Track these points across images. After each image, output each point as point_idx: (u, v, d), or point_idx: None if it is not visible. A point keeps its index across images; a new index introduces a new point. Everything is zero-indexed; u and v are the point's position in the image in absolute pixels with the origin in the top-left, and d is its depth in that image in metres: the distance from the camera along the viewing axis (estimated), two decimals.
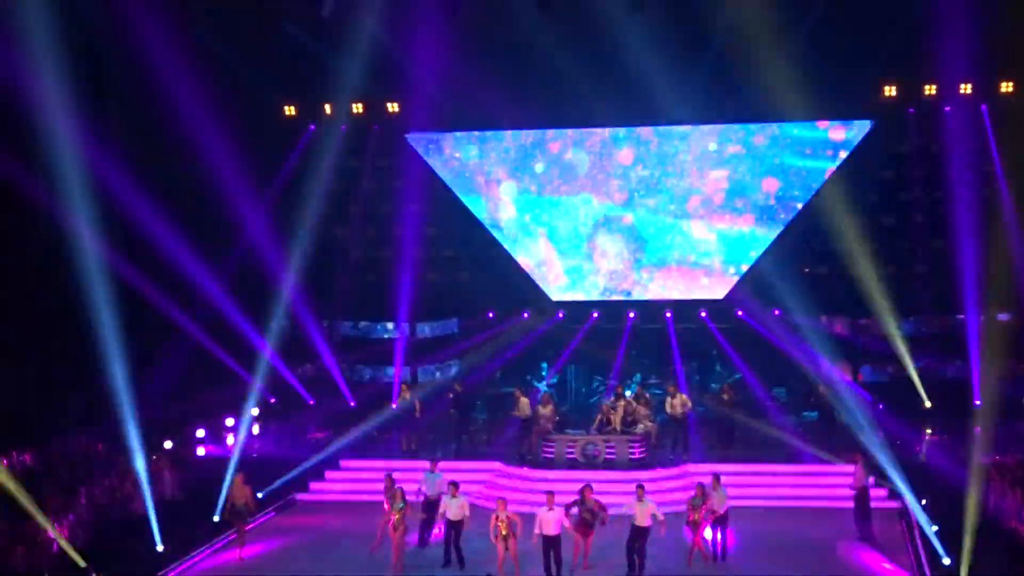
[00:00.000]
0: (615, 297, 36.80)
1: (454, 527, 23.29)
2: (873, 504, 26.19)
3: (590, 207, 36.82)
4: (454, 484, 23.44)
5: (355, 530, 25.28)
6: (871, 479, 26.16)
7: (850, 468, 26.77)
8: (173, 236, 30.52)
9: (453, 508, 23.31)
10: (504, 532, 22.00)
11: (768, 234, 36.00)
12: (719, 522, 23.69)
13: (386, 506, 23.49)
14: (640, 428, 30.70)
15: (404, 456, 31.74)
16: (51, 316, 30.10)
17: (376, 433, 33.31)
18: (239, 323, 33.15)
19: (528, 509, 23.95)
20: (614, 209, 36.78)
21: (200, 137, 30.93)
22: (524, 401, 31.74)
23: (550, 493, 22.51)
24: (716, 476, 24.12)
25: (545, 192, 36.87)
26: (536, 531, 22.18)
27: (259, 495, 26.78)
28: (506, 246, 37.07)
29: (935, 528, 24.44)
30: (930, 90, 34.29)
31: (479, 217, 37.10)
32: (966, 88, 33.71)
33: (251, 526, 26.13)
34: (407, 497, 23.61)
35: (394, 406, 33.24)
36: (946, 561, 22.96)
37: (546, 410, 31.43)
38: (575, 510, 22.72)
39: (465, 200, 37.16)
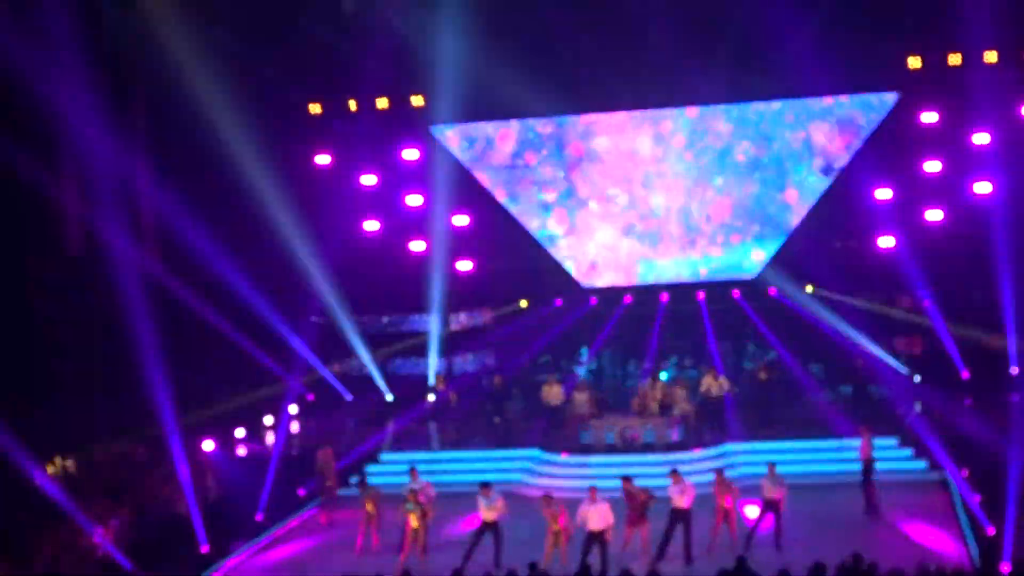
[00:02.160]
0: (648, 281, 36.52)
1: (596, 539, 22.06)
2: (916, 477, 26.63)
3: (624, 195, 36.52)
4: (594, 487, 22.52)
5: (392, 524, 25.09)
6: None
7: (888, 441, 27.38)
8: (205, 236, 30.49)
9: (595, 516, 22.09)
10: (555, 526, 21.84)
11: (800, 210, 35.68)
12: (770, 508, 23.55)
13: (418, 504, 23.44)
14: (677, 410, 30.68)
15: (442, 447, 32.06)
16: (88, 320, 30.34)
17: (415, 426, 33.40)
18: (274, 321, 33.13)
19: (566, 496, 23.95)
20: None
21: (227, 136, 31.11)
22: (554, 389, 31.81)
23: (593, 487, 22.36)
24: (771, 464, 23.94)
25: (576, 180, 36.55)
26: (578, 524, 22.03)
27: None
28: (536, 234, 36.95)
29: (977, 498, 24.29)
30: (955, 59, 33.73)
31: (509, 208, 37.00)
32: (991, 56, 33.17)
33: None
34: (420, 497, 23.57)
35: (431, 398, 33.38)
36: (990, 531, 22.76)
37: (583, 395, 31.43)
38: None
39: (499, 194, 37.13)
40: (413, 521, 22.96)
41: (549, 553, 21.88)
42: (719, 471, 23.87)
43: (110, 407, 29.56)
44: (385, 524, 24.44)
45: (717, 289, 36.10)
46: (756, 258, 36.02)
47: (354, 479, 27.29)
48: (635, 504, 22.57)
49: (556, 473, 29.37)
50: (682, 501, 22.74)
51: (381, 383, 36.05)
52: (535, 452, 30.83)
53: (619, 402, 33.28)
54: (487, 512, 22.77)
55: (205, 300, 31.12)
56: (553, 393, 31.82)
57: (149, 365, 27.28)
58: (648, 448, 29.62)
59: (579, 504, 22.21)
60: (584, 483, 23.30)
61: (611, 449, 29.81)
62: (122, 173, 29.05)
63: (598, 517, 21.88)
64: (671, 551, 22.85)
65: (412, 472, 24.51)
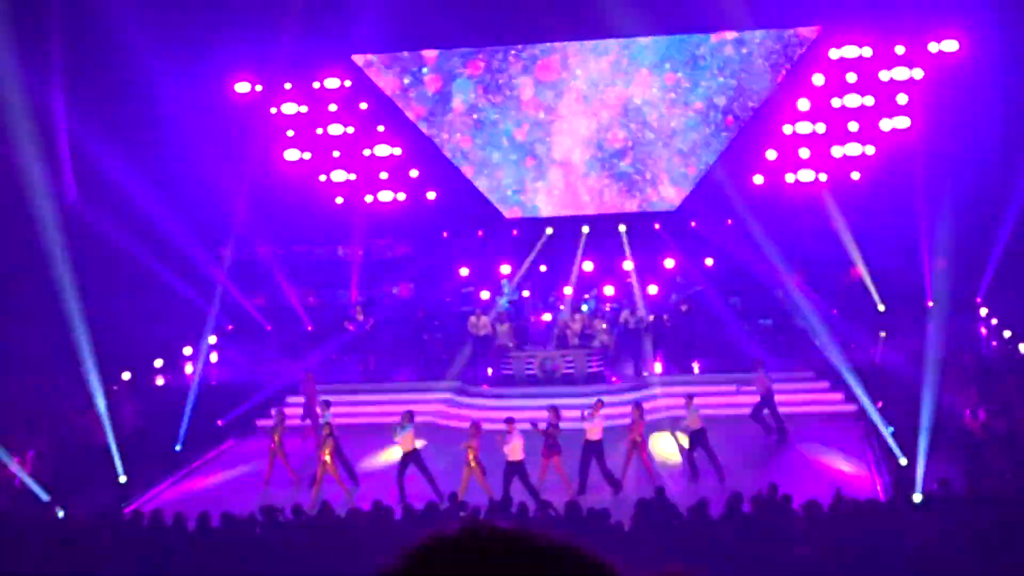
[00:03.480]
0: (567, 213, 36.55)
1: (516, 469, 22.20)
2: (831, 408, 27.37)
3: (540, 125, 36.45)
4: (511, 419, 22.65)
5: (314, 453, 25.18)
6: (771, 385, 26.50)
7: (804, 375, 28.09)
8: (123, 165, 30.26)
9: (515, 447, 22.25)
10: (472, 462, 21.88)
11: (719, 143, 35.79)
12: (696, 439, 23.68)
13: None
14: (597, 342, 30.81)
15: (362, 379, 32.19)
16: (3, 250, 29.68)
17: (334, 357, 33.29)
18: (193, 252, 32.99)
19: (490, 427, 23.97)
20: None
21: (144, 63, 30.80)
22: (482, 320, 31.68)
23: (509, 420, 22.46)
24: (689, 396, 24.11)
25: (497, 105, 36.37)
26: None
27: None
28: (459, 165, 36.84)
29: (891, 430, 24.72)
30: None
31: (430, 136, 36.80)
32: None
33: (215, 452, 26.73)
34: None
35: (350, 328, 33.08)
36: (903, 461, 23.28)
37: (504, 327, 31.55)
38: (545, 427, 22.60)
39: (423, 125, 36.89)
40: (324, 455, 22.83)
41: (465, 484, 21.96)
42: (637, 403, 23.81)
43: (25, 337, 29.15)
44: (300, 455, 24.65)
45: (639, 221, 36.10)
46: (678, 191, 35.99)
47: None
48: (554, 433, 22.56)
49: (477, 404, 29.38)
50: (595, 432, 22.75)
51: (300, 313, 35.93)
52: (456, 384, 30.91)
53: (540, 334, 33.46)
54: (401, 443, 22.86)
55: (122, 229, 30.74)
56: (481, 323, 31.66)
57: (66, 295, 27.03)
58: (568, 379, 29.72)
59: (498, 435, 22.38)
60: (505, 415, 23.18)
61: (532, 380, 29.88)
62: (36, 101, 28.49)
63: (519, 448, 21.94)
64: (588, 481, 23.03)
65: (325, 404, 24.52)
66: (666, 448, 25.88)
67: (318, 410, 25.30)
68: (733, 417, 27.25)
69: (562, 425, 22.96)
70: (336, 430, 23.58)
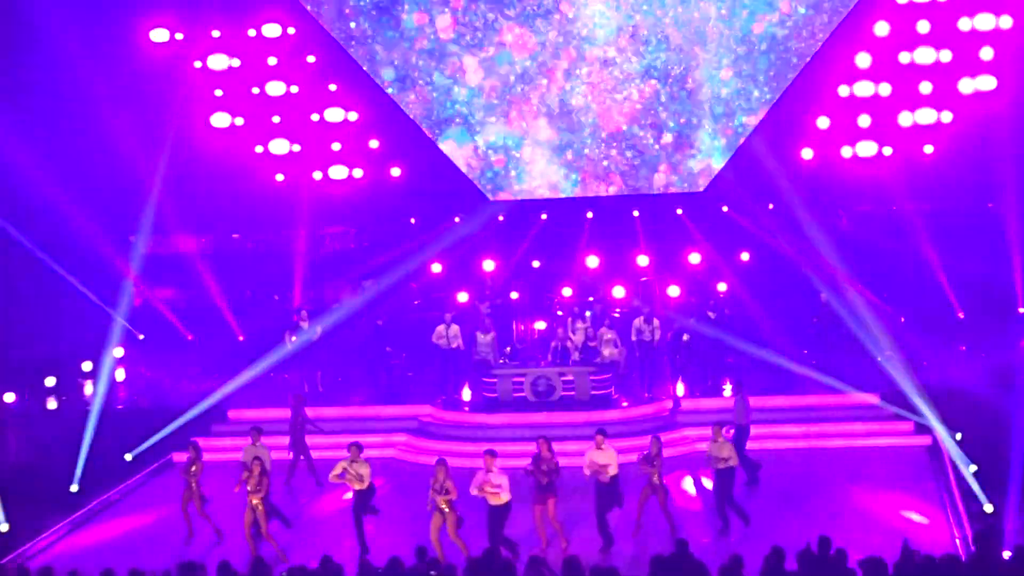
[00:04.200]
0: (567, 194, 36.35)
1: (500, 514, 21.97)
2: (897, 441, 27.27)
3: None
4: (490, 452, 22.13)
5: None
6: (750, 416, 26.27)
7: (864, 401, 28.02)
8: (7, 134, 30.47)
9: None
10: (442, 504, 21.70)
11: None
12: (726, 480, 23.31)
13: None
14: (604, 357, 30.65)
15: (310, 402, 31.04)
16: None
17: (272, 374, 33.02)
18: (96, 243, 33.03)
19: (467, 465, 24.06)
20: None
21: (41, 10, 31.12)
22: (452, 329, 31.49)
23: (490, 452, 22.09)
24: (718, 425, 23.76)
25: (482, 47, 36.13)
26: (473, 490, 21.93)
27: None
28: (432, 134, 36.63)
29: (973, 468, 24.42)
30: None
31: (396, 99, 36.57)
32: None
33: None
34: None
35: (292, 339, 32.61)
36: (988, 508, 22.95)
37: (487, 338, 31.38)
38: (530, 469, 22.37)
39: (380, 76, 36.61)
40: (253, 499, 22.68)
41: (436, 535, 21.71)
42: (654, 436, 23.62)
43: None
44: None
45: (657, 205, 35.91)
46: (706, 167, 35.83)
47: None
48: (542, 474, 22.30)
49: (451, 435, 29.29)
50: (607, 471, 22.49)
51: (230, 319, 35.68)
52: (425, 409, 30.75)
53: (532, 346, 33.35)
54: (352, 481, 22.59)
55: (4, 217, 30.86)
56: (451, 334, 31.44)
57: None
58: (566, 404, 29.52)
59: (474, 474, 22.07)
60: (484, 447, 22.72)
61: (521, 405, 29.67)
62: None
63: (503, 488, 21.72)
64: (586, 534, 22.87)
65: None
66: (690, 490, 25.61)
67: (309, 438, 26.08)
68: (773, 453, 27.16)
69: (561, 462, 22.66)
70: (270, 466, 23.24)
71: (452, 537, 21.71)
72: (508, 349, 32.63)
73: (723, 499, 23.29)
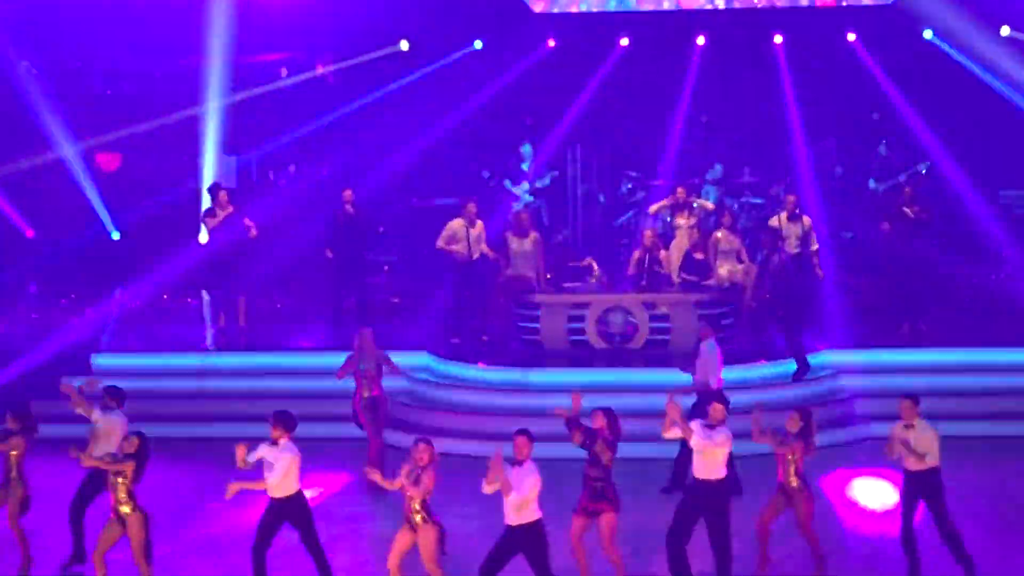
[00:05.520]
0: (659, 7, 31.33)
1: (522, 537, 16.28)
2: None
3: None
4: (525, 434, 16.11)
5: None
6: None
7: None
8: None
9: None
10: (417, 515, 15.63)
11: None
12: (919, 486, 16.65)
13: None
14: (722, 276, 23.86)
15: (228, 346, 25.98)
16: None
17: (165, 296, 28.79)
18: None
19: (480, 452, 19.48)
20: None
21: None
22: (476, 227, 25.20)
23: (522, 432, 15.60)
24: (911, 398, 16.76)
25: None
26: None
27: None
28: None
29: None
30: None
31: None
32: None
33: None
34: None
35: (203, 239, 27.01)
36: None
37: (527, 243, 24.77)
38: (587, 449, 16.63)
39: None
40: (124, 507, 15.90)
41: (398, 561, 15.80)
42: (800, 412, 16.63)
43: None
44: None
45: (813, 24, 30.22)
46: None
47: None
48: (595, 470, 16.42)
49: (461, 404, 22.80)
50: (714, 468, 16.12)
51: (98, 205, 29.55)
52: (421, 359, 24.20)
53: (602, 256, 26.87)
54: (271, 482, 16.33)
55: None
56: (474, 237, 24.81)
57: None
58: (656, 354, 23.40)
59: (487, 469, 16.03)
60: (517, 424, 16.28)
61: (580, 355, 23.73)
62: None
63: (533, 492, 15.60)
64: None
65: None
66: (862, 502, 19.36)
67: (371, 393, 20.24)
68: (994, 437, 21.68)
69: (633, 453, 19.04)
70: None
71: (428, 567, 16.14)
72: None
73: (909, 513, 16.77)
